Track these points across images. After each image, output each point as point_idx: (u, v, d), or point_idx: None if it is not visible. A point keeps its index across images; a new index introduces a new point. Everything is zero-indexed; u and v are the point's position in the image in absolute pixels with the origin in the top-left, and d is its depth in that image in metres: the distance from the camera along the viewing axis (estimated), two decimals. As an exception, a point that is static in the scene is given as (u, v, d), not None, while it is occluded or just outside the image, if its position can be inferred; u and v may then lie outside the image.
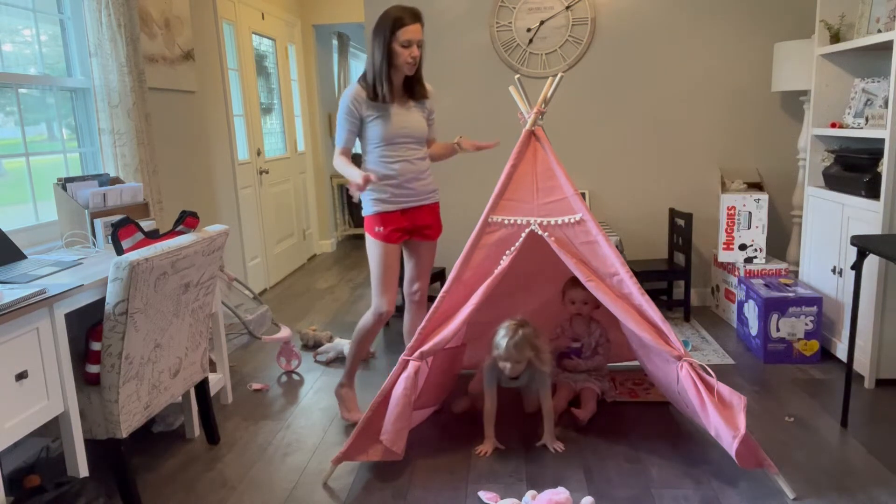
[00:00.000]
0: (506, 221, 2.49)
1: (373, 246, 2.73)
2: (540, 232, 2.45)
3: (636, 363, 3.04)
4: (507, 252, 2.48)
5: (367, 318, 2.79)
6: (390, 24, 2.55)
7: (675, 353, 2.29)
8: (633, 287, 2.40)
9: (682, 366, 2.26)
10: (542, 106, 2.54)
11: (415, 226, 2.75)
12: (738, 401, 2.21)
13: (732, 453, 2.15)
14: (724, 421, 2.16)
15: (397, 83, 2.65)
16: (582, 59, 4.14)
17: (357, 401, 2.93)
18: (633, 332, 2.42)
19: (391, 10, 2.56)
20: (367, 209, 2.72)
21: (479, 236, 2.51)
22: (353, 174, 2.47)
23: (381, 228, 2.68)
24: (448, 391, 2.92)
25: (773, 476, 2.22)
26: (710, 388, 2.23)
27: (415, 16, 2.60)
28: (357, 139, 2.68)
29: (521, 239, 2.47)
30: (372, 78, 2.59)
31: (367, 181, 2.38)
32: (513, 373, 2.52)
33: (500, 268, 2.46)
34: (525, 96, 2.59)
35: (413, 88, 2.69)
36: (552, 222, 2.44)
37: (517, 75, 2.64)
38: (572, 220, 2.43)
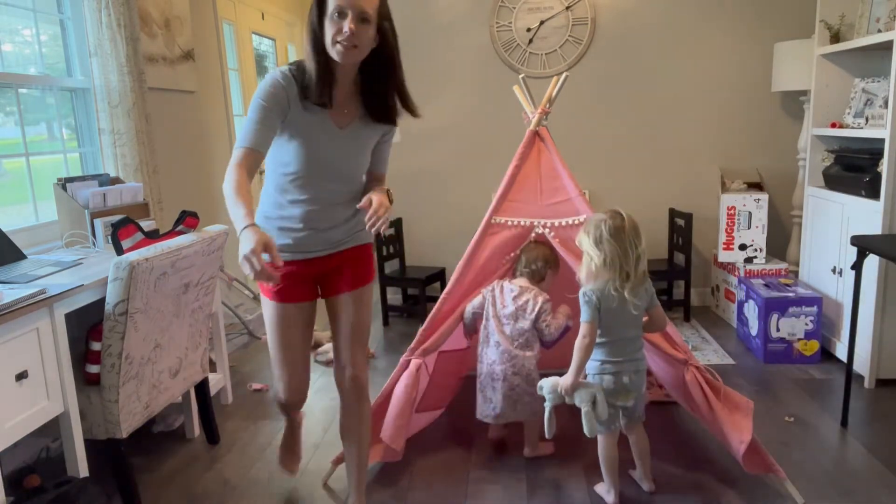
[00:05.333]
0: (509, 222, 2.49)
1: (265, 308, 1.96)
2: (541, 231, 2.45)
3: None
4: (506, 259, 2.48)
5: (280, 408, 2.16)
6: None
7: (680, 357, 2.28)
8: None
9: (687, 370, 2.26)
10: (547, 106, 2.54)
11: (327, 271, 1.95)
12: (745, 405, 2.20)
13: (739, 458, 2.15)
14: (731, 426, 2.15)
15: (344, 84, 1.78)
16: (582, 59, 4.14)
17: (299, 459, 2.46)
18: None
19: None
20: None
21: (482, 237, 2.51)
22: (239, 225, 1.56)
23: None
24: (453, 394, 2.92)
25: (781, 481, 2.20)
26: (716, 392, 2.22)
27: None
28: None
29: (525, 243, 2.47)
30: (307, 70, 1.74)
31: (259, 252, 1.49)
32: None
33: (499, 273, 2.46)
34: (529, 96, 2.58)
35: (381, 104, 1.84)
36: (556, 223, 2.44)
37: (521, 75, 2.64)
38: (576, 222, 2.42)
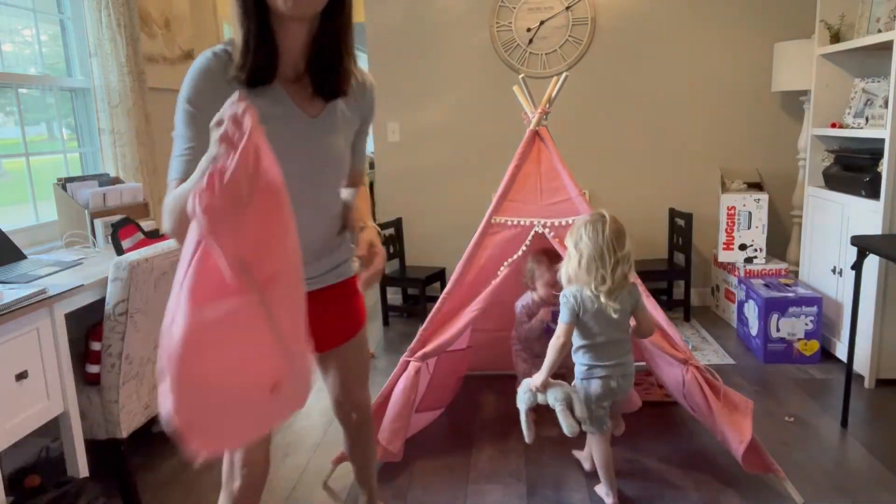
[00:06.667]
0: (509, 222, 2.49)
1: None
2: (540, 231, 2.45)
3: (636, 364, 3.04)
4: (505, 263, 2.48)
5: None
6: None
7: (680, 357, 2.28)
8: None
9: (687, 370, 2.26)
10: (547, 106, 2.54)
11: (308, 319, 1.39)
12: (744, 405, 2.20)
13: (739, 458, 2.15)
14: (730, 426, 2.15)
15: (292, 54, 1.31)
16: (582, 59, 4.14)
17: None
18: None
19: None
20: None
21: (482, 237, 2.51)
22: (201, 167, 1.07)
23: None
24: (454, 394, 2.92)
25: (781, 481, 2.20)
26: (716, 392, 2.22)
27: None
28: None
29: (522, 248, 2.47)
30: (237, 37, 1.26)
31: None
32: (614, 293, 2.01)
33: (498, 279, 2.45)
34: (529, 96, 2.58)
35: (321, 73, 1.34)
36: (556, 223, 2.44)
37: (521, 75, 2.64)
38: (576, 222, 2.43)
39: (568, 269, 2.08)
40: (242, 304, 0.99)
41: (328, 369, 1.67)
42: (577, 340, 2.11)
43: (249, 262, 0.98)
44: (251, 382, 1.03)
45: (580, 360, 2.12)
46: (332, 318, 1.55)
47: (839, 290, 3.20)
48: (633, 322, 2.13)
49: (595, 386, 2.08)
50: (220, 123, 0.98)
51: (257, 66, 1.24)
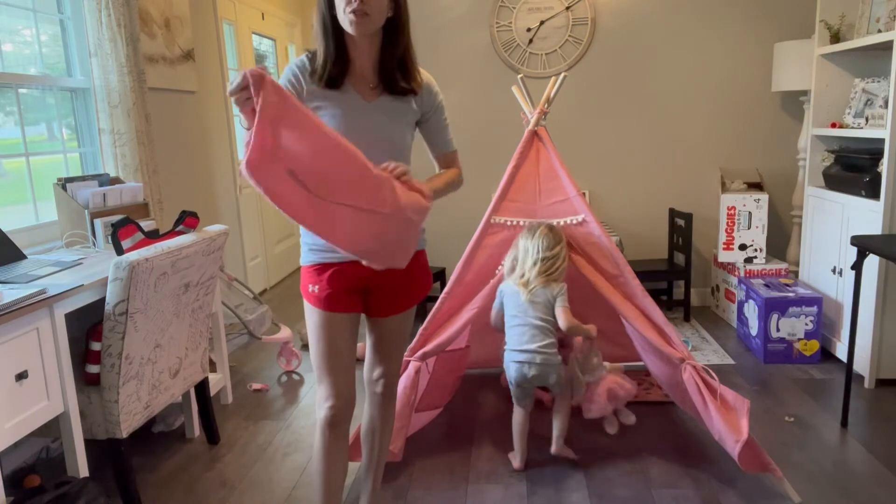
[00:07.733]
0: (508, 223, 2.50)
1: (307, 314, 1.77)
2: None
3: (636, 364, 3.04)
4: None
5: (316, 434, 1.78)
6: None
7: (677, 356, 2.28)
8: (636, 288, 2.41)
9: (685, 368, 2.26)
10: (546, 106, 2.54)
11: (375, 285, 1.77)
12: (741, 404, 2.20)
13: (735, 457, 2.15)
14: (727, 425, 2.15)
15: (360, 61, 1.68)
16: (582, 59, 4.14)
17: None
18: (636, 334, 2.42)
19: None
20: (303, 257, 1.79)
21: (482, 237, 2.51)
22: None
23: (316, 288, 1.72)
24: (452, 393, 2.92)
25: (778, 481, 2.20)
26: (713, 391, 2.22)
27: None
28: None
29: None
30: (319, 50, 1.68)
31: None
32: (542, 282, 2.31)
33: (496, 278, 2.46)
34: (528, 96, 2.59)
35: (389, 74, 1.71)
36: (555, 224, 2.45)
37: (520, 75, 2.64)
38: (575, 222, 2.44)
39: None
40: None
41: (374, 330, 1.86)
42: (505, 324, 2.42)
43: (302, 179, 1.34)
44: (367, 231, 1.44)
45: (506, 344, 2.39)
46: (394, 288, 1.78)
47: (839, 290, 3.21)
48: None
49: (511, 370, 2.33)
50: (235, 92, 1.38)
51: (330, 76, 1.64)
